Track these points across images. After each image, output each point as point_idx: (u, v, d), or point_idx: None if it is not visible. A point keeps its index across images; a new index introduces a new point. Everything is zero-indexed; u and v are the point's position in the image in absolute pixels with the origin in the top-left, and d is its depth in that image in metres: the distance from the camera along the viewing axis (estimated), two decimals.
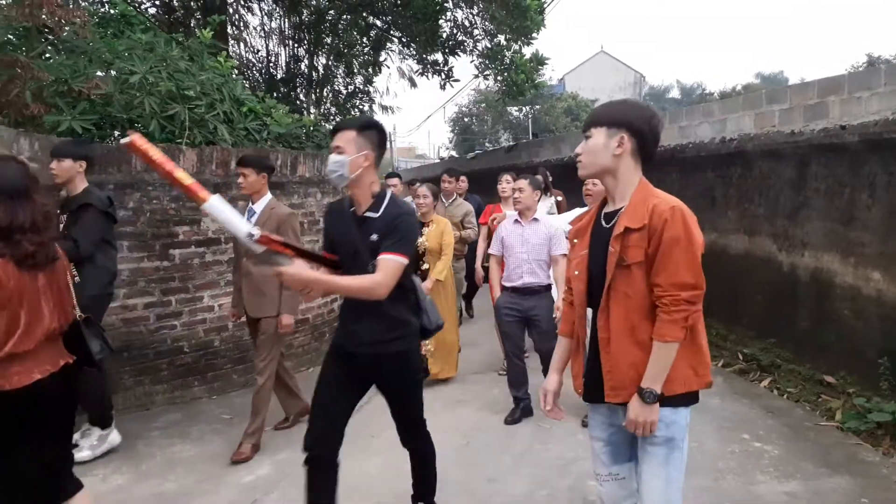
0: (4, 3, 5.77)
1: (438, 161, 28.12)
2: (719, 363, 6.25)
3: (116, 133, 5.49)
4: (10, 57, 4.90)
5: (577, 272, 2.30)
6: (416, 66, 13.63)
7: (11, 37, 5.56)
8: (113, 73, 5.53)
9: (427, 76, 13.33)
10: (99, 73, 5.48)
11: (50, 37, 5.71)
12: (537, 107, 27.83)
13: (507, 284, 4.78)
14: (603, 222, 2.26)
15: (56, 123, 4.80)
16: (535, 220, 4.77)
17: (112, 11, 9.54)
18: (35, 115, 4.81)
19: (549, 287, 4.77)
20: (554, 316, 4.58)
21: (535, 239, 4.72)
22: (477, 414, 4.90)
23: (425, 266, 5.36)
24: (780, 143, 5.94)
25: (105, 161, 4.81)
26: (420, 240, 5.22)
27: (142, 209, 4.97)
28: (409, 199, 5.97)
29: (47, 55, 5.59)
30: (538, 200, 4.81)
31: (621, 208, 2.19)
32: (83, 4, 8.47)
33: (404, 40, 13.34)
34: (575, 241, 2.37)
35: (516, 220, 4.82)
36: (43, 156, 4.50)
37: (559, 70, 46.41)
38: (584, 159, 2.26)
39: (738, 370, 6.01)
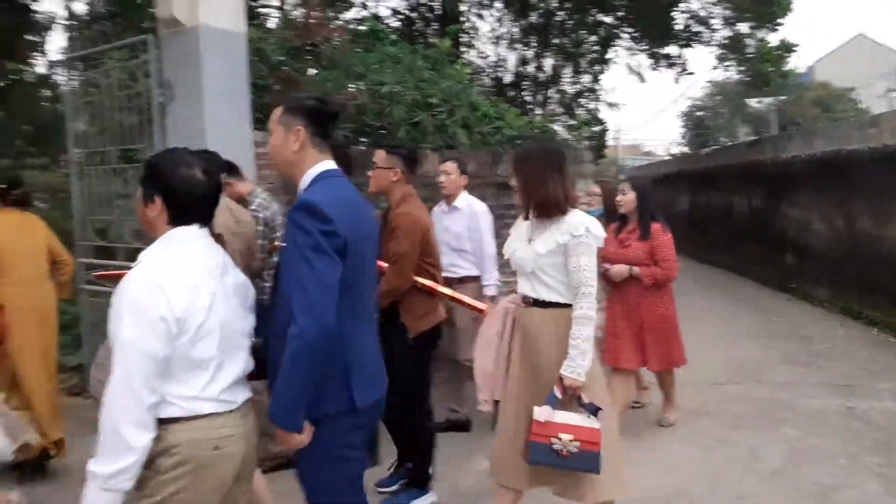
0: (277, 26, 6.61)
1: (669, 158, 26.79)
2: None
3: (365, 139, 5.99)
4: (284, 73, 5.58)
5: None
6: (646, 61, 13.21)
7: (283, 56, 6.32)
8: (363, 84, 6.04)
9: (659, 70, 12.85)
10: (351, 87, 6.02)
11: (313, 54, 6.40)
12: (782, 98, 25.47)
13: None
14: None
15: None
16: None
17: (361, 28, 10.45)
18: None
19: None
20: None
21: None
22: (718, 426, 4.59)
23: None
24: None
25: (358, 164, 5.26)
26: None
27: None
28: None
29: (314, 71, 6.26)
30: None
31: None
32: (339, 23, 9.37)
33: (635, 35, 12.97)
34: None
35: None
36: None
37: (808, 57, 41.93)
38: None
39: None
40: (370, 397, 2.11)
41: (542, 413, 2.57)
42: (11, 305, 3.71)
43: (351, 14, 11.34)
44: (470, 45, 13.82)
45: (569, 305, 2.68)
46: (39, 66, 10.50)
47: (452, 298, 3.53)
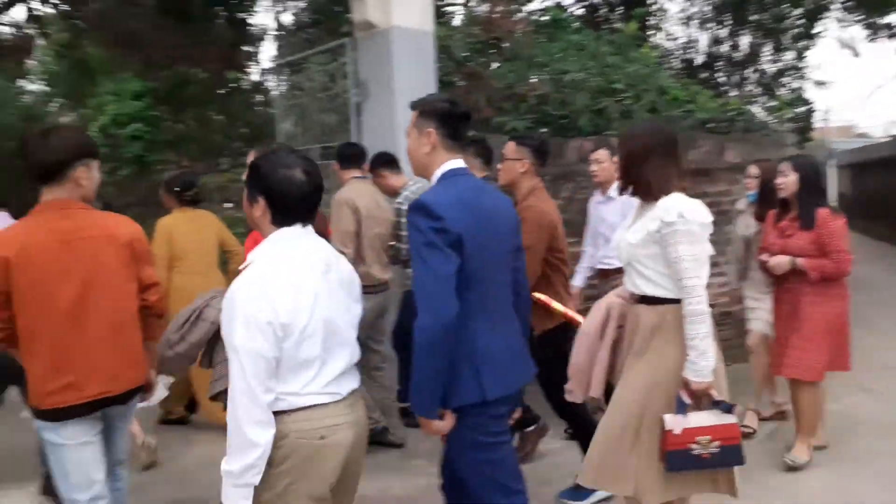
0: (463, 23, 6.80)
1: (889, 139, 23.70)
2: None
3: (545, 130, 5.98)
4: (469, 69, 5.73)
5: None
6: (862, 33, 11.86)
7: (468, 52, 6.48)
8: (546, 74, 6.03)
9: (877, 42, 11.46)
10: (533, 77, 6.03)
11: (496, 48, 6.50)
12: None
13: None
14: None
15: (503, 123, 5.44)
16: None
17: (543, 18, 10.44)
18: (487, 118, 5.53)
19: None
20: None
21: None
22: None
23: None
24: None
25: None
26: None
27: (574, 198, 5.31)
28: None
29: (497, 64, 6.36)
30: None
31: None
32: (521, 15, 9.43)
33: (848, 4, 11.66)
34: None
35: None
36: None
37: None
38: None
39: None
40: (503, 390, 2.12)
41: (674, 423, 2.35)
42: (181, 293, 4.09)
43: (534, 5, 11.34)
44: (657, 28, 13.23)
45: (679, 301, 2.37)
46: (253, 74, 11.68)
47: (565, 317, 3.24)
